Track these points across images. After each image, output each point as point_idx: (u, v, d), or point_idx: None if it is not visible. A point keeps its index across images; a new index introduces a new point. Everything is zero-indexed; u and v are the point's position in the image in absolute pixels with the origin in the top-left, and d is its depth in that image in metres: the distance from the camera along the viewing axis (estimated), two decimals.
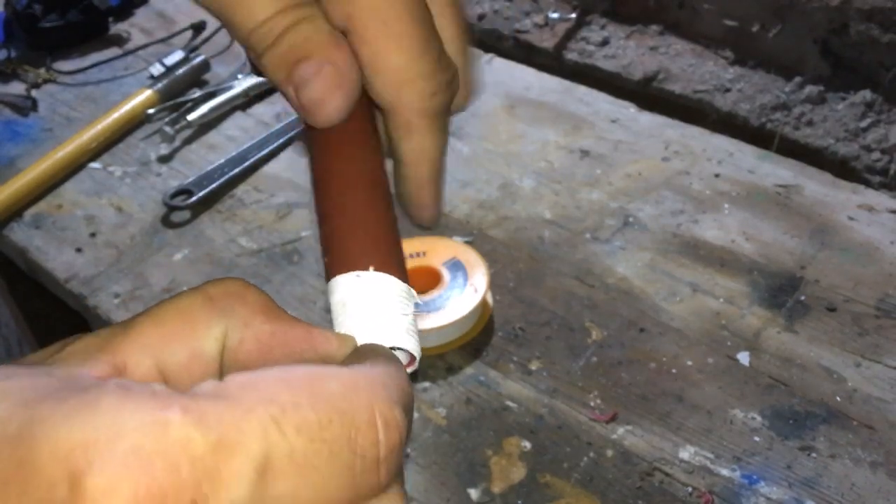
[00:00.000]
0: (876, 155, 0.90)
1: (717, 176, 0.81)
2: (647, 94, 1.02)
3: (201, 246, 0.78)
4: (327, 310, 0.26)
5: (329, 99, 0.26)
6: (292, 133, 0.89)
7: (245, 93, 0.94)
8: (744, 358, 0.64)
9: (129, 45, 1.07)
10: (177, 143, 0.91)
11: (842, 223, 0.75)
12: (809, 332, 0.66)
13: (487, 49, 1.04)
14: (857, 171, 0.90)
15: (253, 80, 0.95)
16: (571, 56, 1.09)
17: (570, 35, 1.10)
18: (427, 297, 0.66)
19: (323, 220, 0.27)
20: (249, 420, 0.17)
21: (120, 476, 0.16)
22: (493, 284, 0.70)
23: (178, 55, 0.99)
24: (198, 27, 1.06)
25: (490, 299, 0.69)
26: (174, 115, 0.92)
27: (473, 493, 0.56)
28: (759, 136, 0.93)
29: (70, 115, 0.97)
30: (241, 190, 0.84)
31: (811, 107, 0.95)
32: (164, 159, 0.90)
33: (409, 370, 0.25)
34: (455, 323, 0.64)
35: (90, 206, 0.84)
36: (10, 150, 0.92)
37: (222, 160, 0.86)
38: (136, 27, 1.11)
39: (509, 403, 0.62)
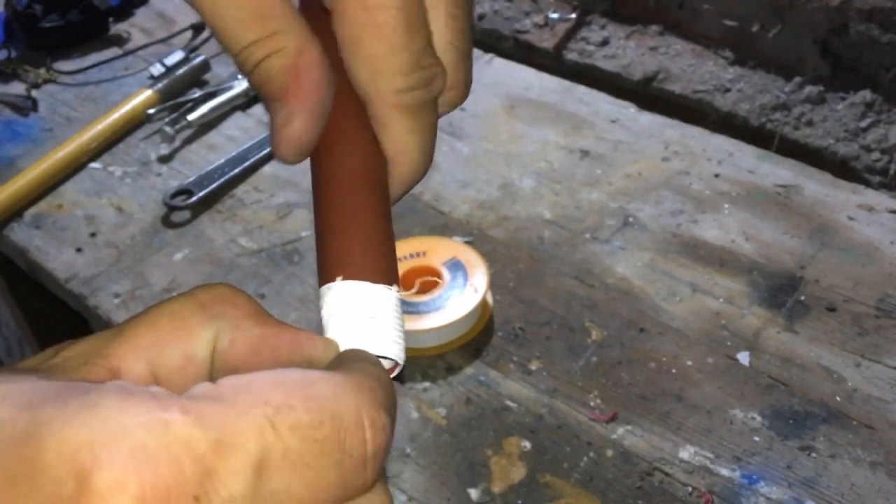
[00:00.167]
0: (876, 155, 0.90)
1: (716, 176, 0.81)
2: (647, 94, 1.02)
3: (201, 246, 0.78)
4: None
5: (282, 147, 0.27)
6: None
7: (245, 93, 0.94)
8: (744, 358, 0.64)
9: (129, 45, 1.08)
10: (177, 143, 0.91)
11: (842, 223, 0.75)
12: (809, 332, 0.66)
13: (487, 49, 1.04)
14: (856, 171, 0.90)
15: None
16: (571, 56, 1.09)
17: (570, 35, 1.10)
18: (427, 297, 0.66)
19: (316, 224, 0.27)
20: (246, 420, 0.18)
21: (127, 472, 0.17)
22: (493, 284, 0.70)
23: (178, 55, 0.99)
24: (198, 27, 1.06)
25: (490, 299, 0.69)
26: (174, 115, 0.92)
27: (473, 493, 0.56)
28: (759, 136, 0.93)
29: (70, 115, 0.97)
30: (241, 190, 0.84)
31: (811, 107, 0.95)
32: (164, 159, 0.90)
33: (393, 374, 0.26)
34: (455, 323, 0.64)
35: (90, 206, 0.84)
36: (11, 150, 0.92)
37: (222, 160, 0.86)
38: (136, 27, 1.11)
39: (509, 403, 0.62)
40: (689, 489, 0.56)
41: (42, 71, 1.03)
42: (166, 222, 0.81)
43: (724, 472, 0.56)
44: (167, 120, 0.91)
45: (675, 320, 0.67)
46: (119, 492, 0.17)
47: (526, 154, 0.86)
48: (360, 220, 0.27)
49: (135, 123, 0.93)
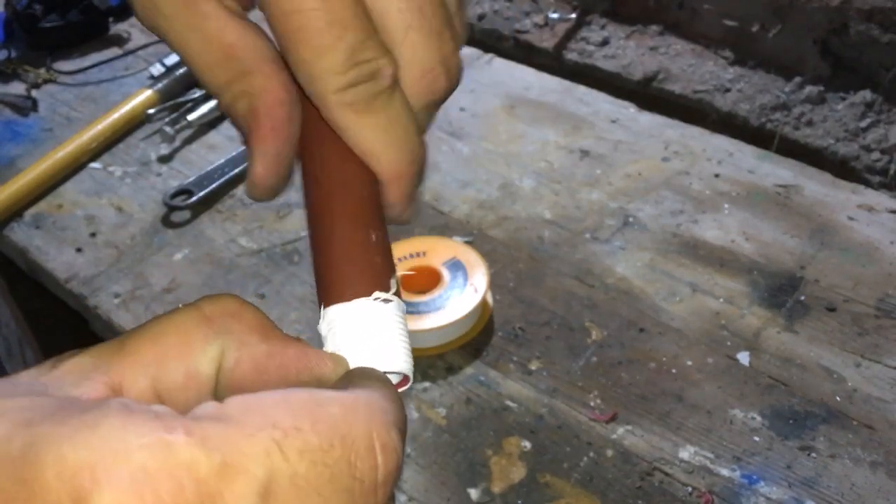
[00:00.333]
0: (876, 155, 0.90)
1: (716, 176, 0.81)
2: (647, 94, 1.02)
3: (201, 246, 0.78)
4: None
5: (247, 187, 0.28)
6: None
7: None
8: (744, 358, 0.64)
9: (129, 45, 1.08)
10: (177, 143, 0.91)
11: (842, 223, 0.75)
12: (809, 332, 0.66)
13: (487, 49, 1.04)
14: (856, 171, 0.90)
15: None
16: (571, 56, 1.09)
17: (570, 35, 1.10)
18: (427, 297, 0.66)
19: (312, 246, 0.27)
20: (252, 443, 0.18)
21: (126, 496, 0.16)
22: (493, 284, 0.70)
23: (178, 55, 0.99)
24: None
25: (490, 299, 0.69)
26: (174, 115, 0.92)
27: (473, 493, 0.56)
28: (759, 136, 0.93)
29: (70, 115, 0.97)
30: (241, 190, 0.84)
31: (811, 107, 0.95)
32: (164, 159, 0.90)
33: (403, 389, 0.26)
34: (455, 323, 0.64)
35: (90, 206, 0.84)
36: (11, 150, 0.92)
37: (222, 160, 0.86)
38: (136, 27, 1.11)
39: (509, 403, 0.62)
40: (689, 489, 0.56)
41: (42, 71, 1.03)
42: (166, 222, 0.81)
43: (724, 472, 0.56)
44: (167, 120, 0.91)
45: (675, 320, 0.67)
46: None
47: (526, 154, 0.86)
48: (352, 239, 0.26)
49: (135, 123, 0.93)
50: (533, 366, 0.64)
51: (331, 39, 0.25)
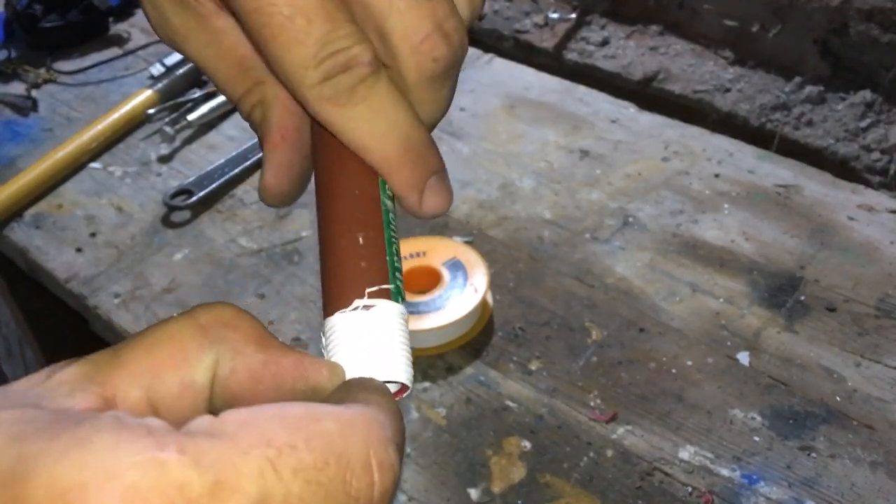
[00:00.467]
0: (876, 155, 0.90)
1: (716, 176, 0.81)
2: (647, 94, 1.02)
3: (201, 246, 0.78)
4: None
5: (259, 193, 0.28)
6: None
7: None
8: (744, 358, 0.64)
9: (129, 45, 1.08)
10: (177, 143, 0.91)
11: (842, 223, 0.75)
12: (809, 332, 0.66)
13: (487, 49, 1.04)
14: (856, 171, 0.90)
15: None
16: (571, 56, 1.09)
17: (570, 35, 1.10)
18: (427, 297, 0.66)
19: (319, 254, 0.27)
20: (246, 461, 0.17)
21: None
22: (493, 284, 0.70)
23: (178, 55, 0.99)
24: None
25: (490, 299, 0.69)
26: (174, 115, 0.92)
27: (473, 493, 0.56)
28: (758, 136, 0.93)
29: (70, 115, 0.97)
30: (241, 190, 0.84)
31: (811, 107, 0.95)
32: (164, 159, 0.90)
33: (403, 396, 0.25)
34: (455, 323, 0.64)
35: (90, 206, 0.84)
36: (11, 150, 0.92)
37: (222, 160, 0.86)
38: (136, 27, 1.11)
39: (509, 403, 0.62)
40: (689, 489, 0.56)
41: (42, 71, 1.03)
42: (166, 222, 0.81)
43: (724, 472, 0.56)
44: (167, 120, 0.91)
45: (675, 320, 0.67)
46: None
47: (526, 154, 0.86)
48: (338, 245, 0.26)
49: (135, 123, 0.93)
50: (533, 366, 0.64)
51: (296, 33, 0.23)
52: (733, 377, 0.63)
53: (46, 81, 1.02)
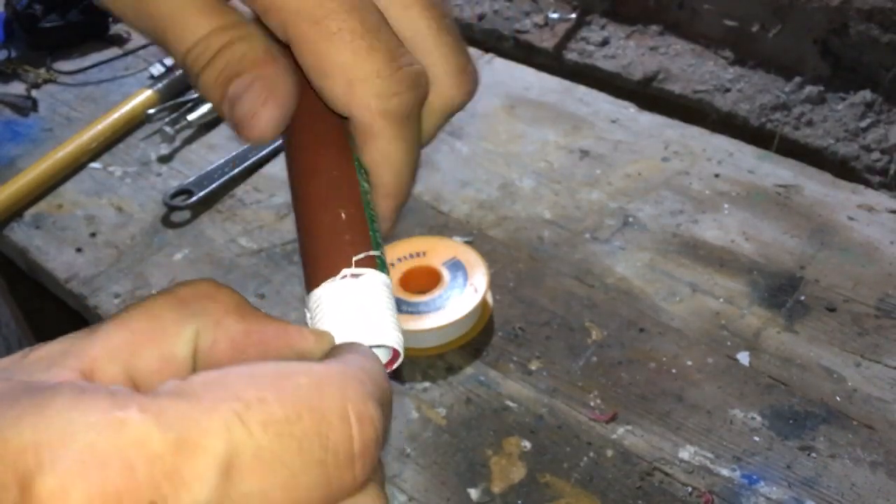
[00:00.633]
0: (876, 155, 0.90)
1: (716, 176, 0.81)
2: (647, 94, 1.02)
3: (201, 246, 0.78)
4: None
5: (260, 113, 0.26)
6: None
7: None
8: (744, 358, 0.64)
9: (130, 45, 1.08)
10: (177, 143, 0.91)
11: (842, 223, 0.75)
12: (809, 332, 0.66)
13: (487, 49, 1.04)
14: (856, 171, 0.90)
15: None
16: (571, 56, 1.09)
17: (570, 35, 1.10)
18: (427, 297, 0.66)
19: (298, 232, 0.27)
20: (212, 417, 0.17)
21: (72, 477, 0.15)
22: (493, 284, 0.70)
23: None
24: None
25: (490, 299, 0.69)
26: (174, 115, 0.92)
27: (473, 493, 0.56)
28: (759, 136, 0.93)
29: (70, 115, 0.97)
30: (241, 190, 0.84)
31: (811, 107, 0.95)
32: (164, 159, 0.90)
33: (395, 365, 0.25)
34: (455, 323, 0.64)
35: (90, 206, 0.84)
36: (10, 150, 0.92)
37: (222, 160, 0.86)
38: None
39: (509, 403, 0.62)
40: (689, 489, 0.56)
41: (42, 71, 1.03)
42: (166, 222, 0.81)
43: (724, 472, 0.56)
44: (167, 120, 0.91)
45: (675, 320, 0.67)
46: (63, 497, 0.15)
47: (526, 154, 0.86)
48: (320, 221, 0.26)
49: (135, 123, 0.93)
50: (533, 366, 0.64)
51: (371, 41, 0.24)
52: (733, 377, 0.63)
53: (46, 81, 1.02)
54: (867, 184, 0.84)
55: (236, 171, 0.85)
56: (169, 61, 0.98)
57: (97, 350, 0.20)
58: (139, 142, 0.92)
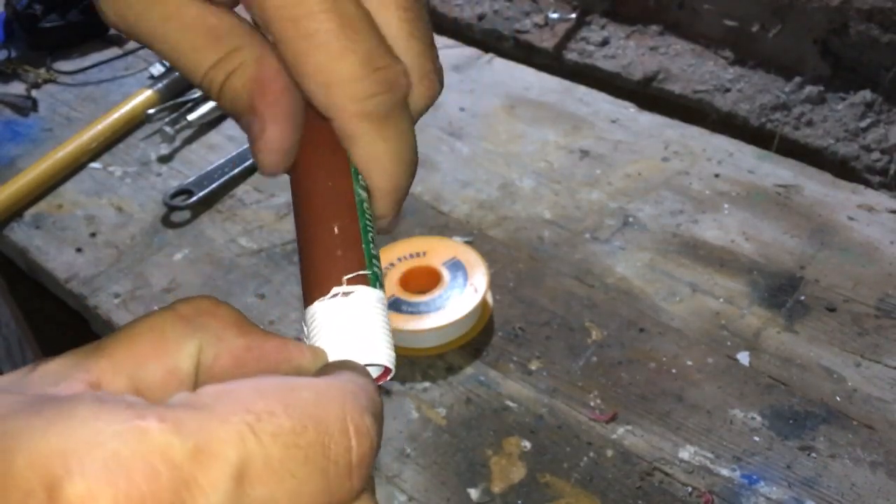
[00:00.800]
0: (876, 155, 0.90)
1: (716, 176, 0.81)
2: (647, 94, 1.02)
3: (201, 246, 0.78)
4: None
5: (261, 157, 0.27)
6: None
7: None
8: (744, 358, 0.64)
9: (130, 45, 1.07)
10: (177, 143, 0.91)
11: (842, 223, 0.75)
12: (809, 332, 0.66)
13: (487, 49, 1.04)
14: (857, 171, 0.90)
15: None
16: (571, 56, 1.09)
17: (570, 35, 1.10)
18: (427, 297, 0.66)
19: (297, 244, 0.27)
20: (226, 428, 0.18)
21: (100, 482, 0.16)
22: (493, 284, 0.70)
23: None
24: None
25: (490, 299, 0.69)
26: (174, 115, 0.92)
27: (473, 493, 0.56)
28: (759, 136, 0.93)
29: (70, 115, 0.97)
30: (241, 190, 0.84)
31: (811, 107, 0.95)
32: (164, 159, 0.90)
33: (387, 379, 0.25)
34: (455, 323, 0.64)
35: (90, 206, 0.84)
36: (10, 150, 0.92)
37: (222, 160, 0.86)
38: None
39: (509, 403, 0.62)
40: (689, 489, 0.56)
41: (42, 71, 1.03)
42: (166, 222, 0.81)
43: (724, 472, 0.56)
44: (167, 120, 0.91)
45: (675, 320, 0.67)
46: (92, 502, 0.16)
47: (526, 154, 0.86)
48: (314, 236, 0.26)
49: (135, 123, 0.93)
50: (533, 366, 0.64)
51: (347, 42, 0.24)
52: (733, 377, 0.63)
53: (46, 81, 1.02)
54: (867, 184, 0.84)
55: (236, 171, 0.85)
56: None
57: (104, 364, 0.21)
58: (139, 142, 0.92)
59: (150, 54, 1.05)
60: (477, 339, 0.66)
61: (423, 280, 0.67)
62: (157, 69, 0.98)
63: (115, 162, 0.90)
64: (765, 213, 0.77)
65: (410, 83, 0.26)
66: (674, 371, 0.63)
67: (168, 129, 0.90)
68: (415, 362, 0.65)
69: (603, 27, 1.11)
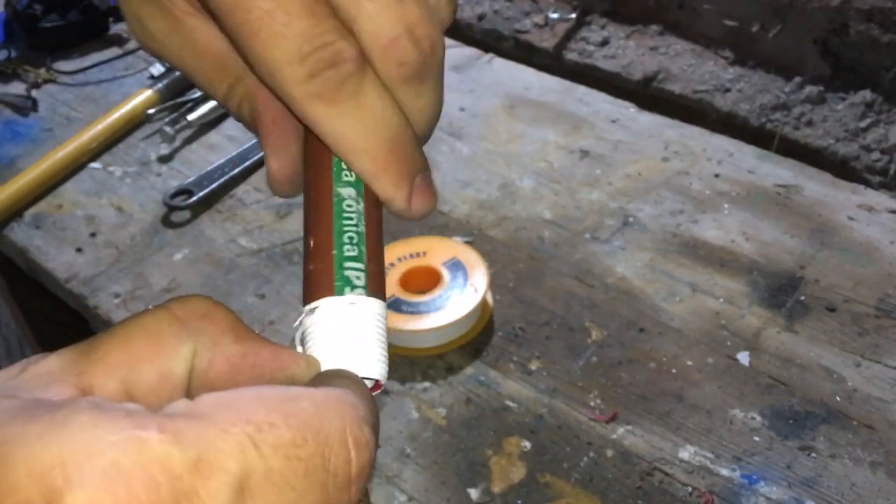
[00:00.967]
0: (876, 155, 0.90)
1: (716, 176, 0.81)
2: (647, 94, 1.02)
3: (201, 246, 0.78)
4: None
5: (271, 183, 0.28)
6: None
7: None
8: (744, 358, 0.64)
9: (130, 45, 1.08)
10: (177, 143, 0.91)
11: (842, 223, 0.75)
12: (809, 332, 0.66)
13: (487, 49, 1.04)
14: (856, 171, 0.90)
15: None
16: (571, 56, 1.09)
17: (570, 35, 1.10)
18: (427, 297, 0.66)
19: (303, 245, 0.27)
20: (227, 439, 0.17)
21: (99, 493, 0.16)
22: (493, 284, 0.70)
23: None
24: None
25: (490, 299, 0.69)
26: (174, 115, 0.92)
27: (473, 493, 0.56)
28: (759, 136, 0.93)
29: (70, 115, 0.97)
30: (241, 190, 0.84)
31: (811, 107, 0.95)
32: (164, 159, 0.90)
33: (377, 392, 0.25)
34: (455, 323, 0.64)
35: (90, 206, 0.84)
36: (11, 150, 0.92)
37: (222, 160, 0.86)
38: None
39: (509, 403, 0.62)
40: (689, 489, 0.56)
41: (42, 71, 1.03)
42: (166, 222, 0.81)
43: (724, 472, 0.56)
44: (167, 120, 0.91)
45: (675, 320, 0.67)
46: None
47: (526, 154, 0.86)
48: (306, 243, 0.26)
49: (135, 123, 0.93)
50: (533, 366, 0.64)
51: (278, 27, 0.23)
52: (733, 377, 0.63)
53: (46, 81, 1.02)
54: (867, 184, 0.84)
55: (236, 171, 0.85)
56: None
57: (96, 366, 0.21)
58: (139, 142, 0.92)
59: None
60: (477, 339, 0.66)
61: (423, 280, 0.67)
62: (157, 69, 0.98)
63: (115, 162, 0.90)
64: (765, 213, 0.77)
65: (359, 57, 0.24)
66: (674, 371, 0.63)
67: (168, 129, 0.90)
68: (415, 362, 0.65)
69: (603, 27, 1.11)
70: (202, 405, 0.18)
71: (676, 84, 1.02)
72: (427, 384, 0.64)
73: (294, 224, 0.79)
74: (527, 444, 0.59)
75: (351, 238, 0.25)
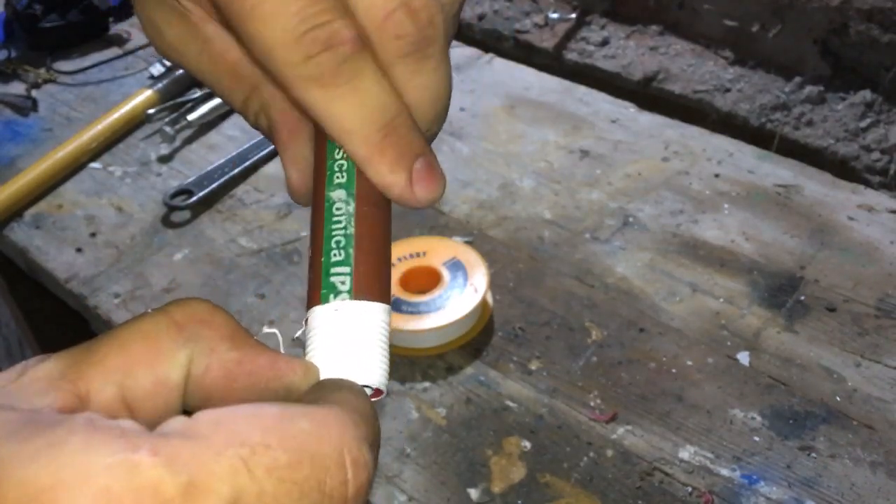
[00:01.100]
0: (876, 155, 0.90)
1: (716, 176, 0.81)
2: (647, 94, 1.02)
3: (201, 246, 0.78)
4: None
5: (292, 197, 0.29)
6: None
7: None
8: (743, 358, 0.64)
9: (130, 45, 1.08)
10: (177, 143, 0.91)
11: (842, 223, 0.75)
12: (809, 332, 0.66)
13: (487, 49, 1.04)
14: (856, 171, 0.90)
15: None
16: (571, 56, 1.09)
17: (570, 35, 1.10)
18: (427, 297, 0.66)
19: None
20: (219, 462, 0.17)
21: None
22: (493, 284, 0.70)
23: None
24: None
25: (490, 299, 0.69)
26: (174, 115, 0.92)
27: (473, 493, 0.56)
28: (759, 136, 0.93)
29: (70, 115, 0.97)
30: (241, 190, 0.84)
31: (811, 107, 0.95)
32: (164, 159, 0.90)
33: (379, 398, 0.25)
34: (455, 323, 0.64)
35: (90, 206, 0.84)
36: (10, 150, 0.92)
37: (222, 160, 0.86)
38: (136, 27, 1.11)
39: (509, 403, 0.62)
40: (689, 489, 0.56)
41: (42, 71, 1.03)
42: (166, 222, 0.81)
43: (724, 472, 0.56)
44: (167, 120, 0.91)
45: (675, 320, 0.67)
46: None
47: (526, 154, 0.86)
48: (310, 262, 0.25)
49: (135, 123, 0.93)
50: (533, 366, 0.64)
51: (271, 6, 0.22)
52: (733, 377, 0.63)
53: (46, 81, 1.02)
54: (867, 184, 0.84)
55: (236, 171, 0.85)
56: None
57: (93, 372, 0.21)
58: (139, 142, 0.92)
59: (150, 54, 1.05)
60: (477, 339, 0.66)
61: (423, 280, 0.67)
62: (157, 69, 0.98)
63: (115, 162, 0.90)
64: (765, 213, 0.77)
65: (356, 38, 0.23)
66: (674, 371, 0.63)
67: (168, 129, 0.90)
68: (415, 362, 0.65)
69: (603, 27, 1.11)
70: (198, 424, 0.18)
71: (676, 84, 1.02)
72: (427, 384, 0.64)
73: (294, 224, 0.79)
74: (527, 444, 0.59)
75: (338, 242, 0.25)
